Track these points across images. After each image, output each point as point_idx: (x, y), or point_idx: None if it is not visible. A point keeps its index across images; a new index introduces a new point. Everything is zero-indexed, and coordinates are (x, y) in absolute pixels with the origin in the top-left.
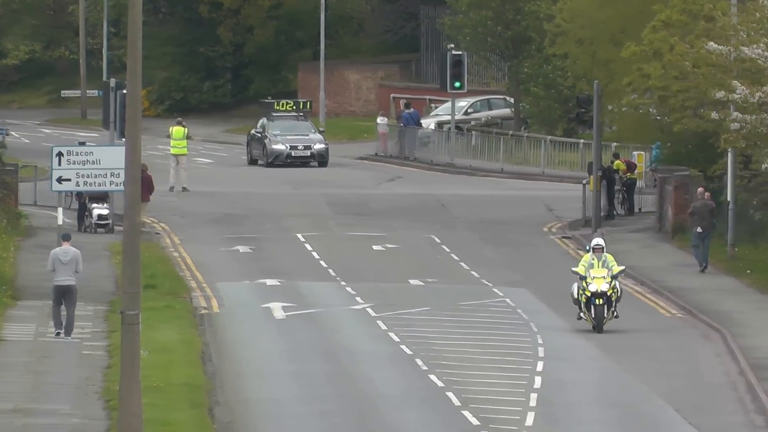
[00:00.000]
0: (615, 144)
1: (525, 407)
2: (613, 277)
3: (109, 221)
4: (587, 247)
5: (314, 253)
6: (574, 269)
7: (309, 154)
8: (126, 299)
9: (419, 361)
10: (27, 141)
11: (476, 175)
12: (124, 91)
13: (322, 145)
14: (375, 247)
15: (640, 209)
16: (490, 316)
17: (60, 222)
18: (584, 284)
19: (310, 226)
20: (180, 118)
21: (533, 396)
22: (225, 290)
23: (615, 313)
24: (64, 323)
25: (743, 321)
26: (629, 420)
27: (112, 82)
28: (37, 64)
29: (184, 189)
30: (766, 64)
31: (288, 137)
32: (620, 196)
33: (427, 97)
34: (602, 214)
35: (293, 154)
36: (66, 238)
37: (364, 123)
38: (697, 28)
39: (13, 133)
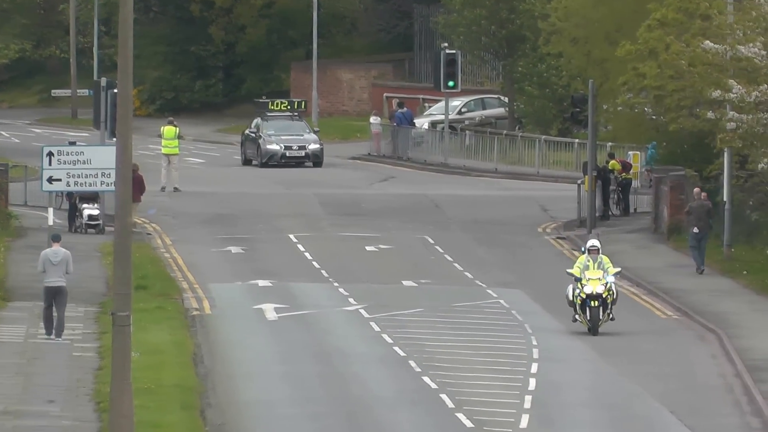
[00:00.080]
0: (610, 144)
1: (519, 409)
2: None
3: (100, 222)
4: (582, 249)
5: (307, 254)
6: (569, 271)
7: (303, 154)
8: (117, 300)
9: (412, 363)
10: (17, 141)
11: (470, 175)
12: (115, 91)
13: (317, 146)
14: (368, 248)
15: (635, 210)
16: (484, 318)
17: (50, 222)
18: (579, 286)
19: (303, 226)
20: (171, 118)
21: (528, 398)
22: (217, 291)
23: (611, 316)
24: (54, 325)
25: (739, 322)
26: (624, 422)
27: (103, 81)
28: (27, 63)
29: (176, 189)
30: (762, 63)
31: (282, 137)
32: (615, 196)
33: (421, 96)
34: (597, 214)
35: (288, 155)
36: (56, 239)
37: (357, 122)
38: (693, 27)
39: (3, 132)
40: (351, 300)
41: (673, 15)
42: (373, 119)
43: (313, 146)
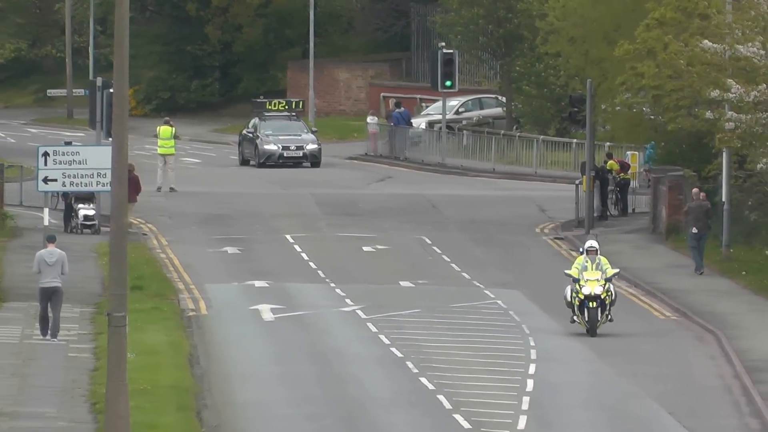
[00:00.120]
0: (608, 144)
1: (517, 410)
2: (607, 280)
3: (96, 222)
4: (581, 250)
5: (303, 255)
6: (567, 272)
7: (301, 154)
8: (113, 301)
9: (410, 364)
10: (13, 141)
11: (467, 175)
12: (111, 90)
13: (315, 146)
14: (365, 248)
15: (633, 210)
16: (481, 318)
17: (46, 223)
18: (577, 287)
19: (300, 226)
20: (167, 118)
21: (525, 399)
22: (213, 292)
23: (609, 317)
24: (49, 325)
25: (738, 323)
26: (622, 423)
27: (99, 81)
28: (23, 62)
29: (172, 189)
30: (761, 62)
31: (280, 137)
32: (613, 196)
33: (418, 96)
34: (595, 214)
35: (285, 155)
36: (51, 239)
37: (353, 122)
38: (692, 27)
39: None
40: (348, 301)
41: (672, 14)
42: (370, 119)
43: (311, 146)
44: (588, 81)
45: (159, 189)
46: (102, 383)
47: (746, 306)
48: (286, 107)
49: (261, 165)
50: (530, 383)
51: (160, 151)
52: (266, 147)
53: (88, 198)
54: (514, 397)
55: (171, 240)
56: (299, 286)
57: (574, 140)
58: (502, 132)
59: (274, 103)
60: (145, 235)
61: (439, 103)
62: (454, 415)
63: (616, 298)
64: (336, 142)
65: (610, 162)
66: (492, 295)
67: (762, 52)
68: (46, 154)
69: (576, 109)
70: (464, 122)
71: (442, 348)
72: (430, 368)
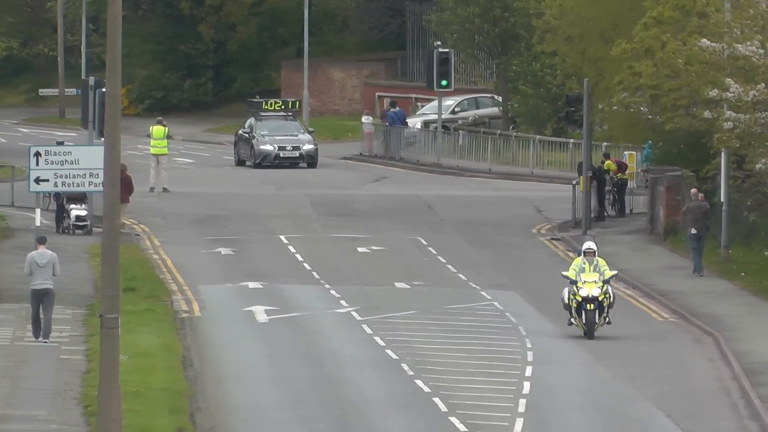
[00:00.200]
0: (605, 144)
1: (513, 413)
2: (605, 282)
3: (88, 223)
4: (578, 251)
5: (298, 256)
6: (564, 273)
7: (298, 155)
8: (105, 302)
9: (405, 366)
10: (4, 141)
11: (463, 176)
12: (104, 90)
13: (311, 146)
14: (360, 249)
15: (631, 210)
16: (477, 320)
17: (38, 223)
18: (575, 289)
19: (294, 227)
20: (160, 117)
21: (522, 401)
22: (206, 293)
23: (607, 319)
24: (41, 326)
25: (737, 325)
26: (619, 426)
27: (91, 80)
28: (14, 61)
29: (165, 190)
30: (760, 61)
31: (276, 138)
32: (611, 197)
33: (413, 95)
34: (592, 215)
35: (281, 155)
36: (41, 241)
37: (348, 122)
38: (690, 25)
39: None
40: (343, 302)
41: (670, 13)
42: (365, 119)
43: (308, 147)
44: (585, 80)
45: (152, 189)
46: (94, 385)
47: (745, 308)
48: (283, 107)
49: (257, 166)
50: (527, 386)
51: (152, 151)
52: (262, 147)
53: (80, 198)
54: (510, 400)
55: (164, 241)
56: (293, 287)
57: (571, 140)
58: (499, 132)
59: (271, 103)
60: (138, 235)
61: (435, 103)
62: (449, 418)
63: (615, 301)
64: (330, 142)
65: (608, 162)
66: (488, 297)
67: (761, 51)
68: (37, 154)
69: (573, 108)
70: (460, 122)
71: (437, 350)
72: (425, 370)
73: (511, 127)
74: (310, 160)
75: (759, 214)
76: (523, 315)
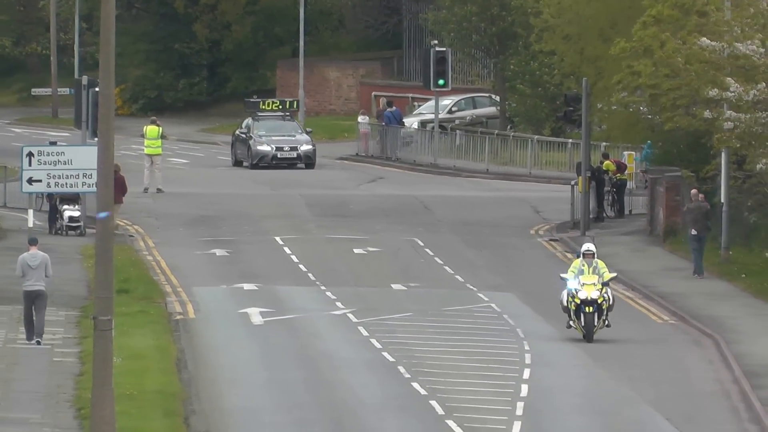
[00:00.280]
0: (604, 144)
1: (511, 416)
2: (604, 285)
3: (81, 223)
4: (577, 253)
5: (293, 257)
6: (563, 275)
7: (295, 155)
8: (98, 304)
9: (402, 369)
10: None
11: (460, 176)
12: (97, 89)
13: (309, 146)
14: (356, 250)
15: (630, 211)
16: (474, 322)
17: (30, 224)
18: (574, 291)
19: (289, 228)
20: (154, 117)
21: (519, 404)
22: (201, 295)
23: (606, 322)
24: (34, 326)
25: (737, 327)
26: (617, 429)
27: (85, 79)
28: (6, 60)
29: (159, 190)
30: (760, 60)
31: (273, 138)
32: (610, 197)
33: (410, 95)
34: (591, 216)
35: (279, 156)
36: (33, 242)
37: (344, 122)
38: (689, 24)
39: None
40: (338, 304)
41: (669, 11)
42: (361, 118)
43: (305, 147)
44: (583, 79)
45: (146, 190)
46: (87, 388)
47: (745, 309)
48: (280, 107)
49: (254, 167)
50: (524, 388)
51: (146, 151)
52: (259, 148)
53: (73, 199)
54: (508, 403)
55: (158, 242)
56: (289, 289)
57: (570, 140)
58: (496, 132)
59: (268, 103)
60: (132, 237)
61: (432, 103)
62: (446, 421)
63: (614, 303)
64: (326, 142)
65: (607, 162)
66: (485, 298)
67: (761, 50)
68: (30, 155)
69: (571, 108)
70: (457, 122)
71: (434, 352)
72: (422, 373)
73: (508, 127)
74: (308, 161)
75: (759, 215)
76: (520, 317)
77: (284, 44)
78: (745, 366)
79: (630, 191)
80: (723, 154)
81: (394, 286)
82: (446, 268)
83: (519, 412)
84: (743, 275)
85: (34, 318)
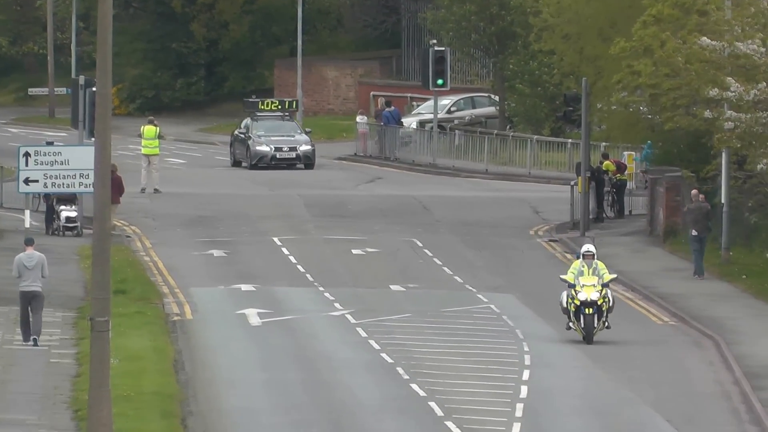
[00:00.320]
0: (604, 144)
1: (510, 417)
2: (604, 286)
3: (78, 224)
4: (577, 254)
5: (291, 257)
6: (562, 277)
7: (294, 156)
8: (95, 305)
9: (400, 370)
10: None
11: (459, 176)
12: (94, 89)
13: (309, 147)
14: (354, 251)
15: (630, 212)
16: (474, 323)
17: (27, 225)
18: (573, 293)
19: (287, 229)
20: (152, 117)
21: (519, 406)
22: (198, 296)
23: (606, 324)
24: (31, 326)
25: (737, 328)
26: (617, 430)
27: (81, 79)
28: (3, 60)
29: (156, 191)
30: (761, 60)
31: (272, 138)
32: (610, 197)
33: (409, 94)
34: (591, 216)
35: (278, 156)
36: (29, 242)
37: (342, 122)
38: (690, 23)
39: None
40: (337, 305)
41: (669, 11)
42: (359, 118)
43: (305, 147)
44: (583, 79)
45: (143, 190)
46: (84, 389)
47: (746, 310)
48: (279, 107)
49: (253, 167)
50: (524, 389)
51: (144, 151)
52: (258, 148)
53: (70, 199)
54: (507, 404)
55: (155, 242)
56: (287, 289)
57: (569, 140)
58: (495, 132)
59: (267, 103)
60: (129, 237)
61: (431, 102)
62: (445, 423)
63: (614, 305)
64: (324, 142)
65: (606, 162)
66: (485, 299)
67: (762, 49)
68: (27, 155)
69: (571, 108)
70: (456, 121)
71: (433, 353)
72: (421, 374)
73: (508, 127)
74: (307, 161)
75: (760, 215)
76: (520, 318)
77: (282, 43)
78: (746, 367)
79: (630, 191)
80: (723, 155)
81: (393, 287)
82: (445, 268)
83: (518, 413)
84: (744, 276)
85: (31, 319)
